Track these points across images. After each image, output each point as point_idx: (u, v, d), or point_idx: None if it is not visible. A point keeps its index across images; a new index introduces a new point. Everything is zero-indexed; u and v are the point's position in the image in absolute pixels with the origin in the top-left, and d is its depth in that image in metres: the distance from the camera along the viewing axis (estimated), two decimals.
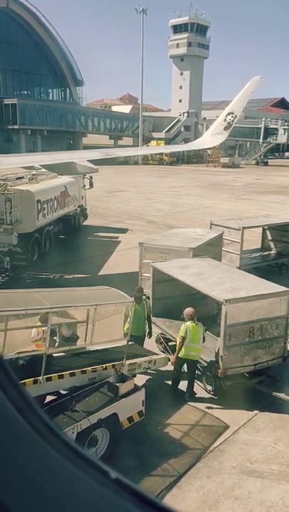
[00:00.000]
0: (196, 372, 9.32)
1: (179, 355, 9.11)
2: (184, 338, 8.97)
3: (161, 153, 71.12)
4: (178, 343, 9.15)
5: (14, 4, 69.47)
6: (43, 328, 8.29)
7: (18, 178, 18.89)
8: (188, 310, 9.22)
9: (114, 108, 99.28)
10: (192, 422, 8.32)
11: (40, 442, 0.89)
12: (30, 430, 0.89)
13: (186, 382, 9.17)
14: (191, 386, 9.17)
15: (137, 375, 8.76)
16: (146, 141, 77.53)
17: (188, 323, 9.08)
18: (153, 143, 76.12)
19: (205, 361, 9.27)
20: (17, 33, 71.71)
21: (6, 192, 16.02)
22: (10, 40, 70.64)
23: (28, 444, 0.88)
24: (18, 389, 0.93)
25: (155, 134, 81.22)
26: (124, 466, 6.98)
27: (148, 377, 9.55)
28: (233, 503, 6.37)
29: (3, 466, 0.82)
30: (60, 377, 7.42)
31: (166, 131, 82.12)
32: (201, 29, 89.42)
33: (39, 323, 8.53)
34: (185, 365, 9.30)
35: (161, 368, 9.44)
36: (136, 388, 7.86)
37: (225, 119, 19.56)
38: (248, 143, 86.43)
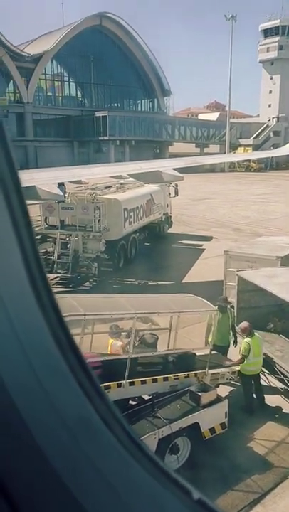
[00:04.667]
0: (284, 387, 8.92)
1: (243, 373, 8.79)
2: (244, 357, 8.66)
3: (248, 160, 69.55)
4: (239, 359, 8.79)
5: (107, 21, 72.62)
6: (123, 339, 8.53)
7: (106, 187, 19.64)
8: (244, 325, 8.98)
9: (201, 116, 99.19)
10: (278, 439, 7.95)
11: (125, 456, 0.88)
12: (115, 442, 0.89)
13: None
14: (260, 399, 8.89)
15: (220, 386, 8.59)
16: (234, 148, 76.37)
17: (248, 339, 8.78)
18: (240, 150, 74.75)
19: None
20: (109, 48, 74.82)
21: (95, 201, 16.72)
22: (102, 56, 73.93)
23: (113, 456, 0.88)
24: (105, 400, 0.93)
25: (242, 141, 79.66)
26: (206, 477, 6.86)
27: (232, 388, 9.32)
28: None
29: (90, 478, 0.83)
30: (143, 382, 7.50)
31: (254, 138, 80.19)
32: None
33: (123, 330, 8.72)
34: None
35: None
36: (218, 399, 7.71)
37: None
38: None
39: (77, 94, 77.91)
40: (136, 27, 75.14)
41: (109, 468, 0.85)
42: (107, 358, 7.62)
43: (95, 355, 7.57)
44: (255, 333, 9.02)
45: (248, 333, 8.88)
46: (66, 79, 75.82)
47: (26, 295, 0.81)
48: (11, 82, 66.35)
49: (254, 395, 8.95)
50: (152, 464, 0.90)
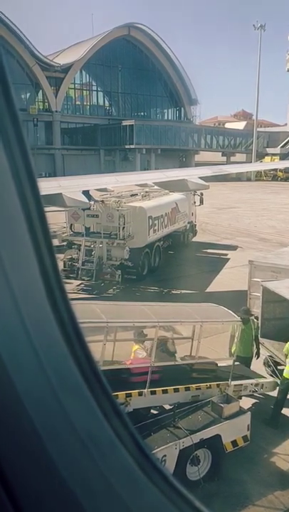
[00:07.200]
0: None
1: (286, 376, 8.58)
2: None
3: (275, 169, 68.80)
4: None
5: (135, 31, 73.40)
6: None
7: (132, 195, 19.73)
8: None
9: (228, 125, 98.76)
10: None
11: (139, 474, 0.86)
12: (129, 459, 0.87)
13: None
14: None
15: (243, 398, 8.45)
16: (260, 157, 75.72)
17: None
18: (267, 159, 73.95)
19: None
20: (137, 58, 75.57)
21: (120, 208, 16.82)
22: (130, 65, 74.76)
23: (126, 474, 0.86)
24: (120, 416, 0.92)
25: (270, 150, 78.89)
26: (227, 491, 6.75)
27: (254, 401, 9.15)
28: None
29: (102, 495, 0.82)
30: (164, 392, 7.45)
31: (282, 147, 79.35)
32: None
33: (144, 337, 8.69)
34: None
35: (269, 393, 8.98)
36: (241, 411, 7.58)
37: None
38: None
39: (104, 103, 78.88)
40: (164, 36, 75.79)
41: (122, 487, 0.83)
42: (167, 363, 7.81)
43: (157, 361, 7.67)
44: None
45: None
46: (94, 88, 76.94)
47: (44, 309, 0.81)
48: (41, 91, 67.73)
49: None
50: (167, 484, 0.87)
